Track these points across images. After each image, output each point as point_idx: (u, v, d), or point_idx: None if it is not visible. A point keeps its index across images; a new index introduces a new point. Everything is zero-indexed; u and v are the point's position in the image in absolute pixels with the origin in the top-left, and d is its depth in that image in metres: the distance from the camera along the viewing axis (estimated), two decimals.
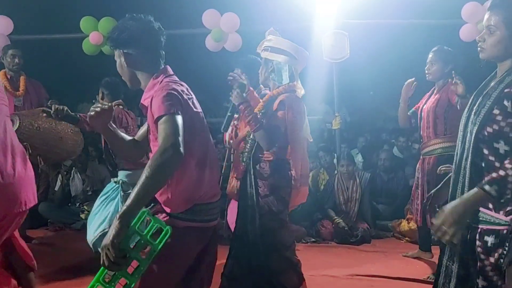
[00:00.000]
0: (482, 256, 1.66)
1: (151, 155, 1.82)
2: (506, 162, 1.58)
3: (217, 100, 10.82)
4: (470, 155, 1.69)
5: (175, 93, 1.81)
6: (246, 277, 2.77)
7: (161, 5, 6.40)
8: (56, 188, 5.52)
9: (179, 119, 1.72)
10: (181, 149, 1.65)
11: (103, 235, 3.61)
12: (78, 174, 5.59)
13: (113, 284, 1.64)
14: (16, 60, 4.50)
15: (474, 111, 1.74)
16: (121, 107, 4.06)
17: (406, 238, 4.97)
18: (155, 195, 1.82)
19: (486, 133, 1.66)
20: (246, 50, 4.11)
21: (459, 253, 1.74)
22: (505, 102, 1.64)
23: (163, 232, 1.63)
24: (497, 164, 1.62)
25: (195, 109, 1.92)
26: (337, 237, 4.85)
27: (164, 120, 1.72)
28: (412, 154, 5.98)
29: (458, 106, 3.47)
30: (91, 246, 3.70)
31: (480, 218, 1.66)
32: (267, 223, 2.75)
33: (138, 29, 1.95)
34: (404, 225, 4.97)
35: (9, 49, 4.56)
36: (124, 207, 1.60)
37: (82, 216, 5.25)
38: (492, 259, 1.63)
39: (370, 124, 7.97)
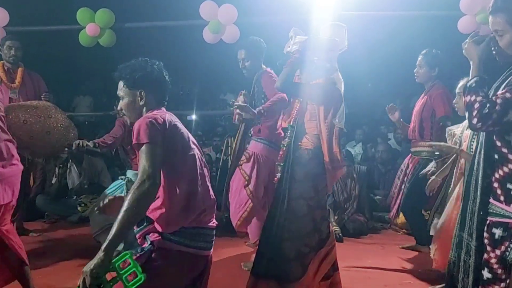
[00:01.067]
0: (489, 248, 1.66)
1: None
2: None
3: (214, 93, 10.81)
4: (483, 148, 1.69)
5: (157, 121, 1.90)
6: (271, 260, 2.76)
7: None
8: (53, 181, 5.50)
9: (157, 149, 1.84)
10: (157, 180, 1.81)
11: (107, 229, 3.64)
12: (75, 167, 5.57)
13: None
14: (13, 51, 4.46)
15: None
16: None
17: (403, 230, 4.99)
18: (148, 214, 1.91)
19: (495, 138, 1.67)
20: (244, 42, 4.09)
21: (475, 246, 1.73)
22: None
23: (137, 278, 1.71)
24: (510, 156, 1.62)
25: (182, 132, 2.01)
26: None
27: (143, 150, 1.84)
28: (409, 146, 5.99)
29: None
30: (94, 237, 3.74)
31: (490, 210, 1.66)
32: (295, 208, 2.77)
33: (153, 70, 2.09)
34: (401, 217, 4.98)
35: (7, 40, 4.53)
36: (107, 241, 1.71)
37: (79, 208, 5.24)
38: (498, 252, 1.63)
39: (368, 116, 7.97)
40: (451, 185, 3.17)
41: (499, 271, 1.63)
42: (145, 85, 2.06)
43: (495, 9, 1.72)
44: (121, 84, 2.10)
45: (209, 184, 2.07)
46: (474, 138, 2.86)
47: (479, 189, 1.68)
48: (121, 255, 1.74)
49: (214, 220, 2.07)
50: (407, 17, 5.47)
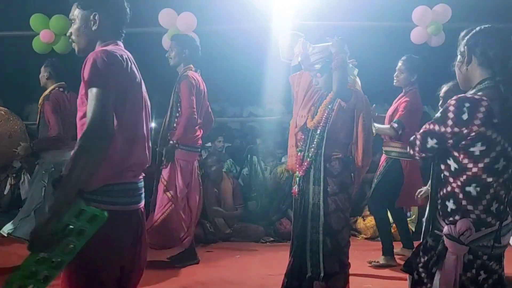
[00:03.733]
0: (421, 254, 1.81)
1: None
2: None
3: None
4: (434, 171, 1.82)
5: (114, 58, 1.68)
6: (305, 276, 2.79)
7: None
8: (5, 192, 5.29)
9: (110, 93, 1.62)
10: (110, 130, 1.59)
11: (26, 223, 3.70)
12: (28, 176, 5.37)
13: (46, 263, 1.59)
14: None
15: None
16: (61, 89, 3.97)
17: (362, 235, 5.09)
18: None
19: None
20: (203, 50, 4.09)
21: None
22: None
23: (99, 216, 1.59)
24: (450, 179, 1.74)
25: (135, 79, 1.78)
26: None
27: (93, 95, 1.60)
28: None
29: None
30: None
31: (435, 223, 1.81)
32: (333, 222, 2.75)
33: None
34: (360, 222, 5.10)
35: None
36: (56, 198, 1.57)
37: None
38: (425, 258, 1.78)
39: None
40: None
41: (423, 275, 1.78)
42: (101, 7, 1.81)
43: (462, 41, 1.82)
44: (74, 6, 1.86)
45: (148, 141, 1.85)
46: None
47: (432, 206, 1.82)
48: (73, 209, 1.57)
49: (143, 174, 1.86)
50: (362, 27, 5.65)
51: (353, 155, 2.84)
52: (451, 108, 1.66)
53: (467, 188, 1.68)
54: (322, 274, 2.75)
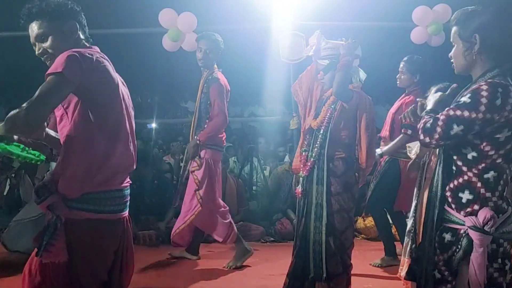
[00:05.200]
0: (438, 251, 1.73)
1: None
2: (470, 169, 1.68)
3: (174, 101, 10.71)
4: (442, 161, 1.76)
5: (83, 57, 1.63)
6: (307, 277, 2.78)
7: (117, 3, 6.26)
8: (5, 193, 5.29)
9: (64, 88, 1.58)
10: (35, 119, 1.55)
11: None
12: (28, 177, 5.37)
13: None
14: None
15: None
16: None
17: (362, 235, 5.09)
18: (49, 175, 1.73)
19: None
20: None
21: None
22: None
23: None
24: (464, 169, 1.69)
25: (110, 79, 1.73)
26: (292, 237, 4.85)
27: (48, 80, 1.58)
28: None
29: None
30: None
31: (445, 217, 1.75)
32: (337, 222, 2.75)
33: (65, 2, 1.80)
34: (360, 222, 5.09)
35: None
36: None
37: None
38: (445, 255, 1.71)
39: None
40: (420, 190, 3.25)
41: (446, 273, 1.71)
42: (70, 14, 1.78)
43: (452, 21, 1.85)
44: (35, 22, 1.77)
45: (131, 144, 1.81)
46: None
47: (438, 199, 1.76)
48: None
49: (128, 180, 1.84)
50: (362, 27, 5.65)
51: (357, 156, 2.83)
52: (484, 93, 1.60)
53: (486, 176, 1.65)
54: (324, 275, 2.75)
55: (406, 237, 3.09)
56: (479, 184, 1.66)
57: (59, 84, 1.57)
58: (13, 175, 5.32)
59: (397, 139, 3.68)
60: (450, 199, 1.71)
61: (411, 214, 3.05)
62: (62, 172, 1.68)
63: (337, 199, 2.75)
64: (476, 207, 1.66)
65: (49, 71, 1.60)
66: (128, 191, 1.83)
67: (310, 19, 5.21)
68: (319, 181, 2.78)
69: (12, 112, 1.55)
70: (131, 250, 1.88)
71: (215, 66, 3.91)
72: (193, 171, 3.84)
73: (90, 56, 1.66)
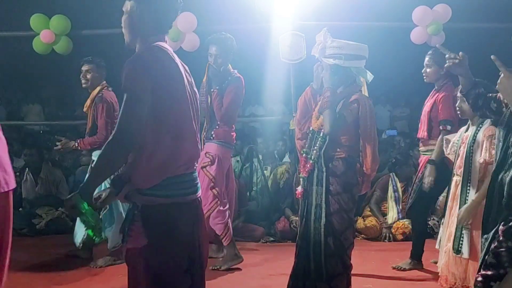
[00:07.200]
0: (502, 238, 1.80)
1: None
2: None
3: None
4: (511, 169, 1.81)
5: (149, 62, 1.72)
6: (308, 278, 2.78)
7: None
8: None
9: (141, 102, 1.69)
10: (131, 140, 1.70)
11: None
12: (31, 176, 5.37)
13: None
14: None
15: None
16: (110, 89, 4.02)
17: (362, 235, 5.09)
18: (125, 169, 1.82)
19: None
20: (203, 50, 4.08)
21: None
22: None
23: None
24: None
25: (176, 76, 1.81)
26: (291, 237, 4.83)
27: (125, 100, 1.70)
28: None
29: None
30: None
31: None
32: (336, 222, 2.75)
33: None
34: (360, 223, 5.09)
35: None
36: (84, 183, 1.76)
37: (34, 221, 5.06)
38: (510, 243, 1.78)
39: None
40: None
41: (504, 259, 1.79)
42: None
43: None
44: None
45: (197, 135, 1.88)
46: (473, 143, 2.95)
47: (505, 191, 1.80)
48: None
49: (195, 165, 1.91)
50: (362, 27, 5.65)
51: (361, 162, 2.83)
52: None
53: None
54: (324, 275, 2.75)
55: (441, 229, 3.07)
56: None
57: (133, 103, 1.73)
58: (17, 173, 5.32)
59: (439, 139, 3.58)
60: None
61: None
62: (135, 166, 1.78)
63: (336, 199, 2.75)
64: None
65: (123, 86, 1.73)
66: (196, 174, 1.91)
67: (309, 19, 5.21)
68: (319, 182, 2.79)
69: (105, 151, 1.76)
70: (205, 231, 1.97)
71: (230, 66, 3.89)
72: (205, 167, 3.80)
73: (155, 59, 1.77)
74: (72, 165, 6.17)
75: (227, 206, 3.95)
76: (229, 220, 3.93)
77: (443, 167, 3.59)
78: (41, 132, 8.24)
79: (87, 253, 4.14)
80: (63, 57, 5.54)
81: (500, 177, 1.86)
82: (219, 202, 3.80)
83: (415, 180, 3.88)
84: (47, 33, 5.27)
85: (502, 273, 1.78)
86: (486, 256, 1.84)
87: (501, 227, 1.83)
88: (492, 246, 1.83)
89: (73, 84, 7.02)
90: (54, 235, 5.00)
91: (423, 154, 3.88)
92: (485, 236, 1.93)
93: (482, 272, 1.84)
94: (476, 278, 1.88)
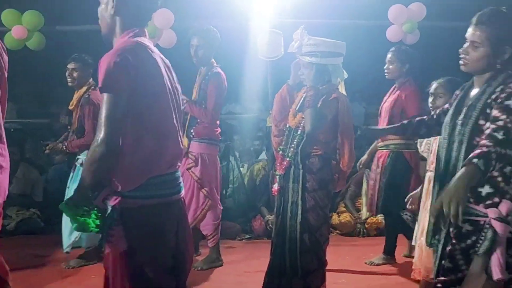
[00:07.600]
0: (454, 241, 1.83)
1: None
2: (484, 140, 1.71)
3: None
4: (460, 163, 1.83)
5: (127, 59, 1.63)
6: (284, 275, 2.79)
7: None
8: None
9: (121, 100, 1.62)
10: (115, 141, 1.62)
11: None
12: (28, 168, 5.27)
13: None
14: None
15: (460, 122, 1.88)
16: (97, 88, 3.92)
17: (337, 231, 5.14)
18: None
19: (475, 143, 1.80)
20: (180, 47, 4.05)
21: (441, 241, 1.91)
22: (488, 111, 1.79)
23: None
24: None
25: (156, 71, 1.75)
26: (266, 235, 4.86)
27: (105, 100, 1.62)
28: None
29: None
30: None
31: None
32: (312, 219, 2.76)
33: None
34: (335, 219, 5.15)
35: None
36: (74, 191, 1.70)
37: (4, 222, 4.93)
38: (463, 245, 1.81)
39: None
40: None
41: (460, 262, 1.82)
42: None
43: (480, 21, 1.86)
44: None
45: (179, 133, 1.83)
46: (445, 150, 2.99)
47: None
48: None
49: (178, 164, 1.87)
50: (339, 25, 5.68)
51: (338, 158, 2.86)
52: None
53: (505, 170, 1.77)
54: (300, 272, 2.77)
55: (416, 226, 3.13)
56: (499, 179, 1.77)
57: (113, 103, 1.66)
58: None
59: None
60: (469, 194, 1.76)
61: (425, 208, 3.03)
62: (115, 167, 1.71)
63: (312, 196, 2.77)
64: (496, 199, 1.77)
65: (100, 84, 1.67)
66: (179, 173, 1.86)
67: (288, 17, 5.22)
68: (295, 179, 2.80)
69: (92, 156, 1.65)
70: (188, 230, 1.91)
71: (213, 61, 3.80)
72: (190, 168, 3.75)
73: (133, 54, 1.69)
74: (46, 163, 6.05)
75: (221, 206, 3.93)
76: (220, 222, 3.90)
77: (402, 160, 3.74)
78: (11, 130, 8.04)
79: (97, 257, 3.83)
80: (36, 53, 5.43)
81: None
82: (210, 201, 3.77)
83: (380, 177, 3.87)
84: (19, 28, 5.14)
85: (460, 276, 1.81)
86: (443, 261, 1.87)
87: (452, 229, 1.86)
88: (447, 249, 1.86)
89: (47, 81, 6.88)
90: (24, 235, 4.92)
91: (381, 149, 3.92)
92: (437, 237, 1.96)
93: (441, 278, 1.87)
94: (436, 284, 1.90)
